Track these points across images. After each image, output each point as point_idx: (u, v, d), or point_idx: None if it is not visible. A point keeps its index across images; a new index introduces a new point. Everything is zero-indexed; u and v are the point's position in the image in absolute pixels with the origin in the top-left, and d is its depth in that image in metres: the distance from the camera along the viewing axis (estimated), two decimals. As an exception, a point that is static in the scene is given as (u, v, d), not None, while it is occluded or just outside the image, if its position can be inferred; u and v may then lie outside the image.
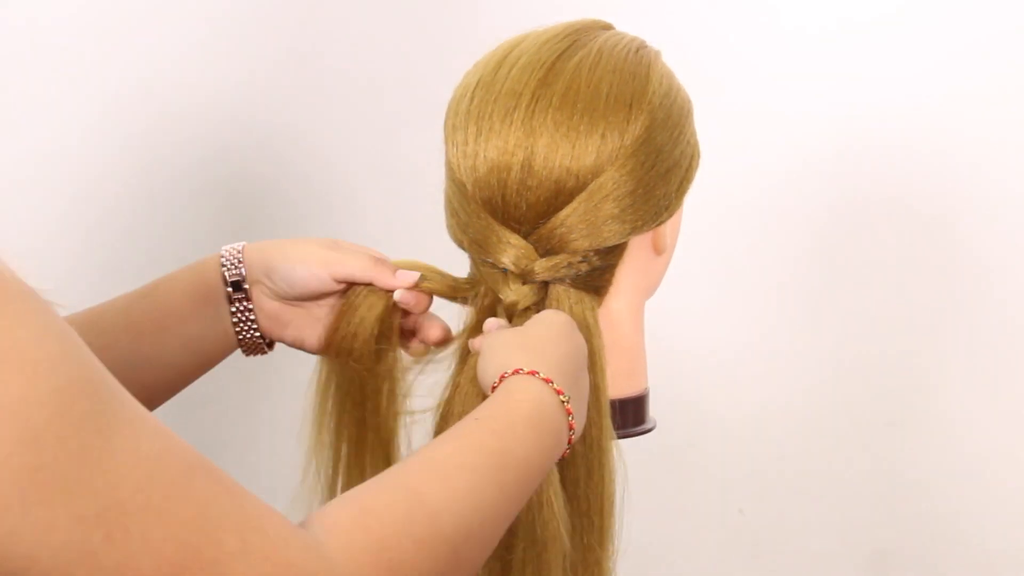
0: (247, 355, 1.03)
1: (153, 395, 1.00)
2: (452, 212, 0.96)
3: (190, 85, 1.60)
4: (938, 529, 1.67)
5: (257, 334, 1.00)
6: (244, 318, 0.99)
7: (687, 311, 1.62)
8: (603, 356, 0.93)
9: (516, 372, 0.83)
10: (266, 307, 0.99)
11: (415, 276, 0.96)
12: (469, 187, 0.93)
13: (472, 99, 0.93)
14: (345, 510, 0.70)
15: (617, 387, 0.97)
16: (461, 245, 0.96)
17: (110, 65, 1.58)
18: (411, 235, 1.62)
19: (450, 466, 0.75)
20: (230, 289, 0.98)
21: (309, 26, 1.62)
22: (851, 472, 1.67)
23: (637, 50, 0.95)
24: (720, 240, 1.64)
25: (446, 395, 0.94)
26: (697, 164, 0.98)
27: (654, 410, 1.02)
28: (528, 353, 0.85)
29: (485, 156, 0.91)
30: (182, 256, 1.61)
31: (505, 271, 0.93)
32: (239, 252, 0.98)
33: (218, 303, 0.99)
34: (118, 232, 1.61)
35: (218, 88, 1.61)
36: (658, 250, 0.97)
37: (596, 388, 0.92)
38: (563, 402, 0.82)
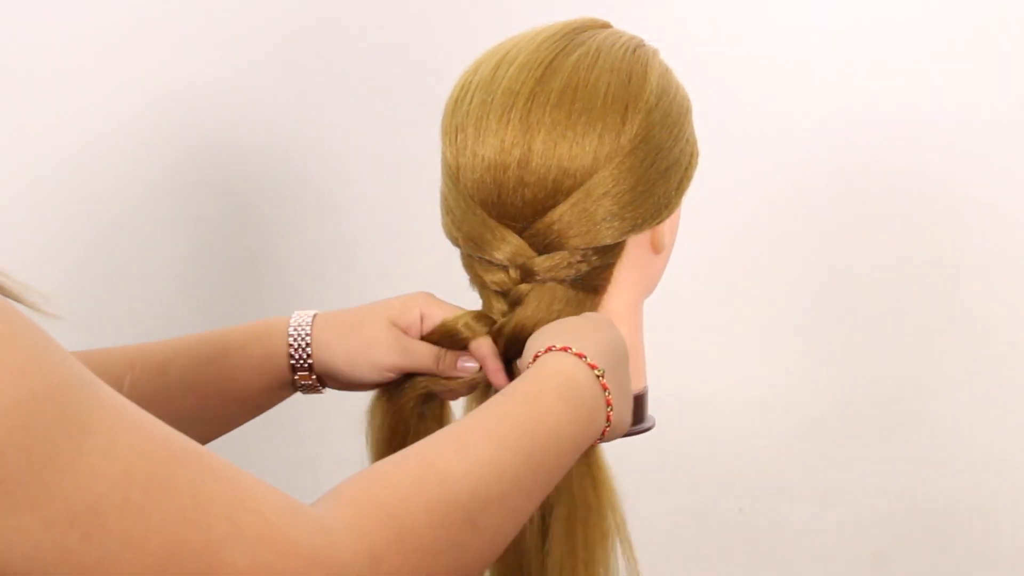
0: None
1: (207, 437, 1.01)
2: (447, 209, 0.96)
3: (189, 85, 1.60)
4: (938, 529, 1.67)
5: (320, 390, 1.01)
6: (310, 386, 1.00)
7: (686, 310, 1.62)
8: None
9: (549, 350, 0.83)
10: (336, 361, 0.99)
11: (475, 366, 0.96)
12: (465, 184, 0.93)
13: (470, 98, 0.93)
14: (356, 482, 0.69)
15: (616, 386, 0.97)
16: (456, 242, 0.96)
17: (110, 65, 1.58)
18: (411, 234, 1.62)
19: (469, 436, 0.74)
20: (297, 377, 0.99)
21: (308, 26, 1.62)
22: (851, 472, 1.67)
23: (635, 49, 0.95)
24: (719, 239, 1.64)
25: None
26: (696, 163, 0.98)
27: (654, 409, 1.02)
28: (564, 335, 0.85)
29: (482, 154, 0.92)
30: (183, 256, 1.62)
31: (500, 274, 0.93)
32: (306, 346, 0.98)
33: (285, 384, 1.00)
34: (118, 232, 1.61)
35: (218, 88, 1.61)
36: (656, 249, 0.97)
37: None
38: (598, 376, 0.82)
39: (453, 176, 0.94)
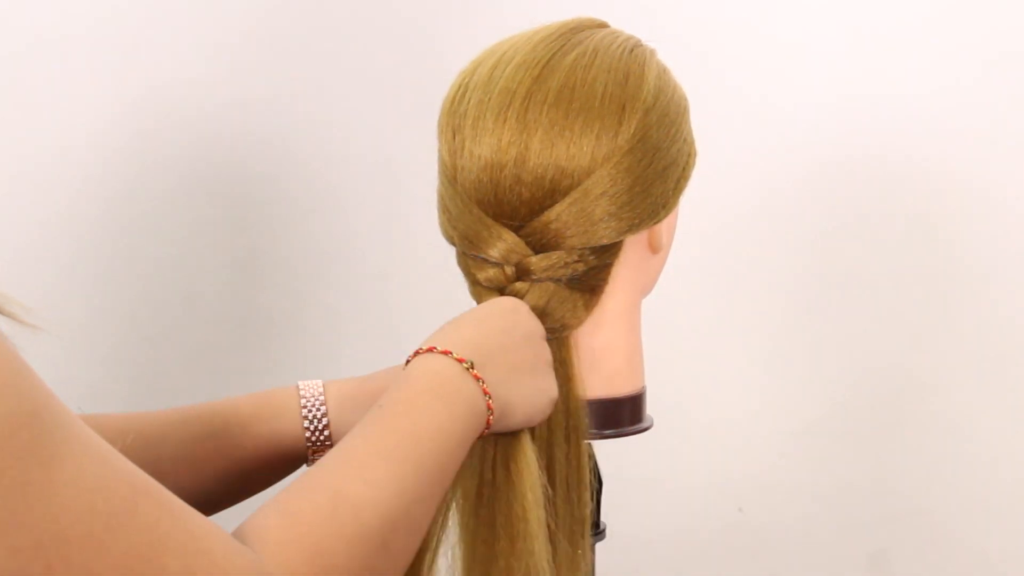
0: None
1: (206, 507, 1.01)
2: (443, 208, 0.96)
3: (189, 83, 1.60)
4: (938, 529, 1.67)
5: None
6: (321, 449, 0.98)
7: (685, 310, 1.62)
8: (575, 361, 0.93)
9: (416, 353, 0.83)
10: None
11: None
12: (461, 183, 0.93)
13: (467, 97, 0.93)
14: (273, 519, 0.70)
15: (614, 386, 0.97)
16: (451, 241, 0.96)
17: (109, 63, 1.58)
18: (411, 234, 1.63)
19: (366, 458, 0.75)
20: (312, 456, 0.97)
21: (309, 25, 1.62)
22: (851, 472, 1.67)
23: (632, 48, 0.95)
24: (719, 239, 1.64)
25: None
26: (694, 162, 0.98)
27: (652, 409, 1.02)
28: (438, 335, 0.85)
29: (479, 153, 0.91)
30: (182, 256, 1.62)
31: (493, 270, 0.93)
32: (324, 427, 0.97)
33: (295, 463, 0.98)
34: (117, 231, 1.61)
35: (218, 87, 1.61)
36: (654, 248, 0.97)
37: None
38: (466, 368, 0.82)
39: (450, 175, 0.94)
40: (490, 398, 0.82)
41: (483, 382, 0.82)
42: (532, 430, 0.89)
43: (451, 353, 0.82)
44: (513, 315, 0.88)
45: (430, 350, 0.82)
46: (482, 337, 0.85)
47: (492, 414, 0.83)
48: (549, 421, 0.91)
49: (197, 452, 0.96)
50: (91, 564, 0.61)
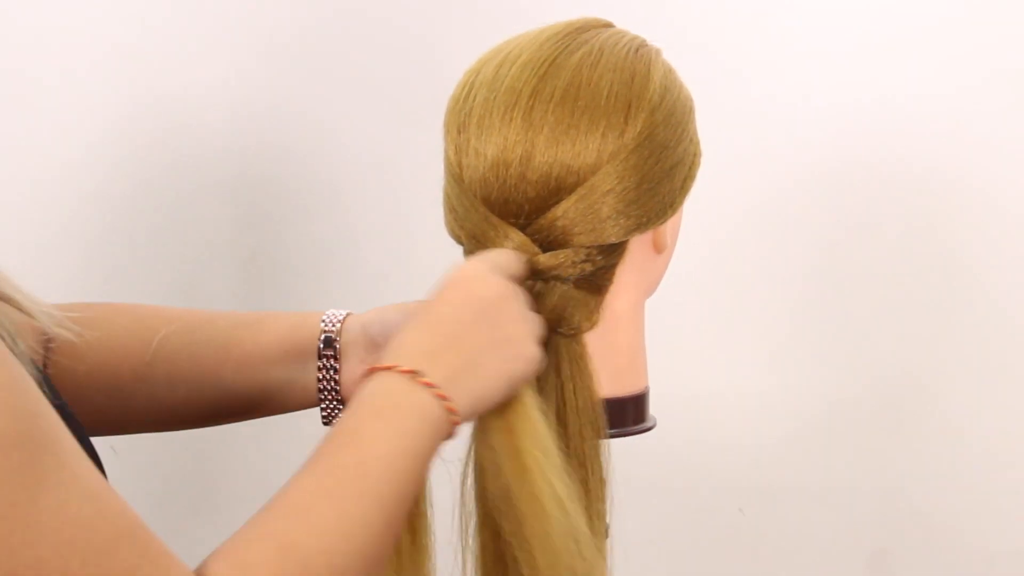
0: (325, 423, 1.03)
1: (211, 416, 1.03)
2: (450, 208, 0.96)
3: (191, 84, 1.60)
4: (938, 529, 1.67)
5: (337, 398, 1.01)
6: (328, 377, 1.00)
7: (687, 310, 1.62)
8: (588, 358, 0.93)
9: (365, 375, 0.81)
10: (356, 372, 0.99)
11: None
12: (467, 182, 0.93)
13: (472, 96, 0.93)
14: (224, 570, 0.70)
15: (617, 386, 0.97)
16: (458, 240, 0.96)
17: (112, 64, 1.59)
18: (414, 233, 1.63)
19: (312, 500, 0.74)
20: (321, 345, 1.00)
21: (310, 24, 1.62)
22: (851, 472, 1.67)
23: (638, 48, 0.95)
24: (720, 240, 1.64)
25: None
26: (699, 162, 0.98)
27: (654, 409, 1.02)
28: (391, 342, 0.83)
29: (485, 152, 0.92)
30: (185, 256, 1.62)
31: None
32: (341, 316, 1.01)
33: (307, 359, 1.00)
34: (120, 232, 1.61)
35: (220, 87, 1.61)
36: (658, 248, 0.97)
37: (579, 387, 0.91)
38: (413, 378, 0.79)
39: (456, 174, 0.94)
40: (448, 400, 0.80)
41: (436, 387, 0.79)
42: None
43: (396, 367, 0.80)
44: (465, 285, 0.85)
45: (374, 370, 0.80)
46: (430, 335, 0.82)
47: (456, 415, 0.80)
48: (563, 419, 0.90)
49: (232, 337, 1.00)
50: None
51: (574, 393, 0.92)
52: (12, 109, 1.57)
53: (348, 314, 1.02)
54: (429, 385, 0.79)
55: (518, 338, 0.85)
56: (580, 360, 0.93)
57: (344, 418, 0.78)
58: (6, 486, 0.59)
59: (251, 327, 1.01)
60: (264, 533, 0.72)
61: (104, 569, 0.62)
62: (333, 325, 1.00)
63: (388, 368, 0.80)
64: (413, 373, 0.79)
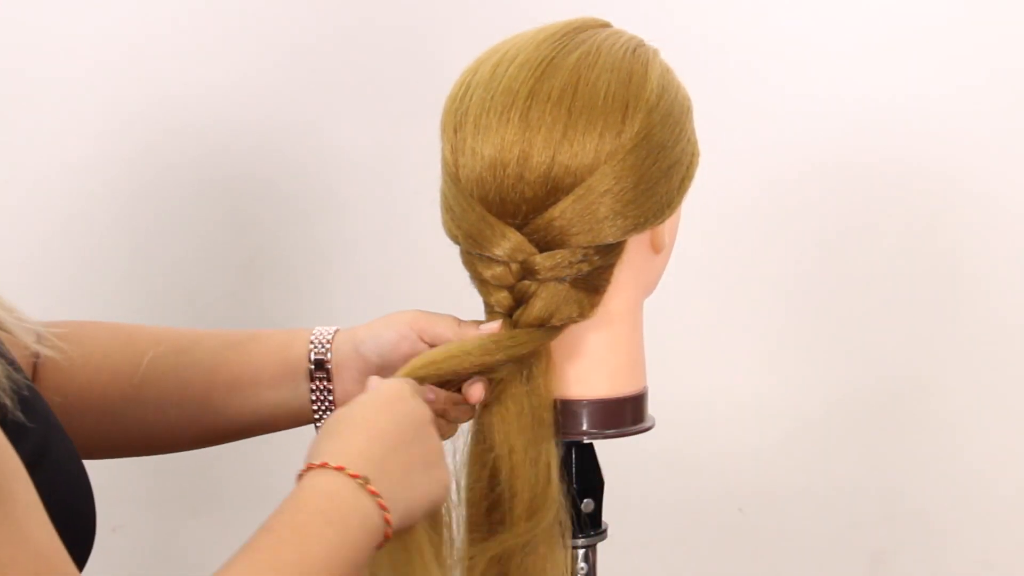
0: None
1: (205, 440, 1.03)
2: (447, 208, 0.96)
3: (191, 85, 1.60)
4: (938, 529, 1.67)
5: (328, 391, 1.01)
6: (322, 398, 1.00)
7: (687, 310, 1.62)
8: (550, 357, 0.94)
9: (309, 468, 0.80)
10: (350, 391, 0.98)
11: (497, 324, 0.94)
12: (464, 182, 0.93)
13: (469, 96, 0.93)
14: None
15: (616, 386, 0.97)
16: (455, 240, 0.96)
17: (112, 66, 1.59)
18: (412, 234, 1.63)
19: None
20: (312, 367, 0.99)
21: (309, 26, 1.62)
22: (851, 472, 1.67)
23: (635, 48, 0.95)
24: (720, 240, 1.64)
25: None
26: (697, 163, 0.98)
27: (653, 409, 1.02)
28: (328, 442, 0.81)
29: (482, 152, 0.91)
30: (184, 258, 1.62)
31: (499, 268, 0.93)
32: (330, 334, 1.01)
33: (298, 380, 1.00)
34: (120, 234, 1.61)
35: (219, 89, 1.61)
36: (656, 248, 0.97)
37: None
38: (361, 485, 0.79)
39: (452, 174, 0.94)
40: (387, 512, 0.79)
41: (379, 496, 0.79)
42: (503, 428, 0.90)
43: (345, 469, 0.79)
44: (400, 404, 0.85)
45: (323, 466, 0.79)
46: (374, 444, 0.81)
47: (389, 527, 0.80)
48: (517, 420, 0.91)
49: (218, 360, 1.00)
50: None
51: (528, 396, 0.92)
52: (12, 110, 1.57)
53: (337, 331, 1.01)
54: (374, 494, 0.79)
55: (440, 463, 0.86)
56: (542, 358, 0.93)
57: (286, 510, 0.77)
58: None
59: (238, 348, 1.00)
60: None
61: None
62: (323, 346, 1.00)
63: (337, 468, 0.79)
64: (361, 479, 0.79)
